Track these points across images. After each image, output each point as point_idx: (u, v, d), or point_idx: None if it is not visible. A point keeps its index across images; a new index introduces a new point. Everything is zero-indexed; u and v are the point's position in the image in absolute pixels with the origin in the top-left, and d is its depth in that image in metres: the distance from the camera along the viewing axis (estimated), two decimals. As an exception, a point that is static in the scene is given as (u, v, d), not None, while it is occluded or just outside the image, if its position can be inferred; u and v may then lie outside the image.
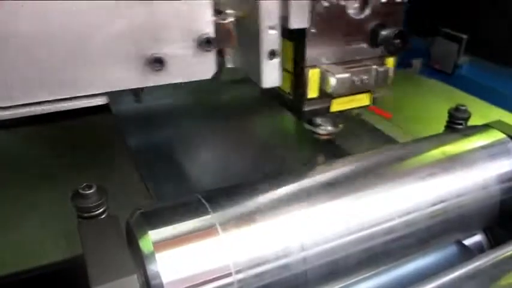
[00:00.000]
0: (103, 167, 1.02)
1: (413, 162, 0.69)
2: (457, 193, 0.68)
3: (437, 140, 0.77)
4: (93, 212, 0.56)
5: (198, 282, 0.51)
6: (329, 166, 0.67)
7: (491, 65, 1.56)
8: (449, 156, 0.71)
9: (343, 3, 0.74)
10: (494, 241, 0.84)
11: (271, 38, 0.64)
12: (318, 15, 0.73)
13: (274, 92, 0.87)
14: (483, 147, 0.74)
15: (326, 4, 0.73)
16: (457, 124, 0.90)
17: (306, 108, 0.80)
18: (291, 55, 0.79)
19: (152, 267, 0.50)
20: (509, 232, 0.80)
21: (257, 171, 0.98)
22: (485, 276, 0.61)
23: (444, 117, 0.91)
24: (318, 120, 0.91)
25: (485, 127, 0.81)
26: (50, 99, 0.55)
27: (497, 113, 1.30)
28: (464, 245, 0.81)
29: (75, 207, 0.56)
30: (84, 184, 0.57)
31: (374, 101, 0.86)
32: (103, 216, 0.57)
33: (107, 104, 1.18)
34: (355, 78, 0.79)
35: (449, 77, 1.63)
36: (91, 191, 0.56)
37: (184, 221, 0.54)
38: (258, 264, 0.53)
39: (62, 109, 0.57)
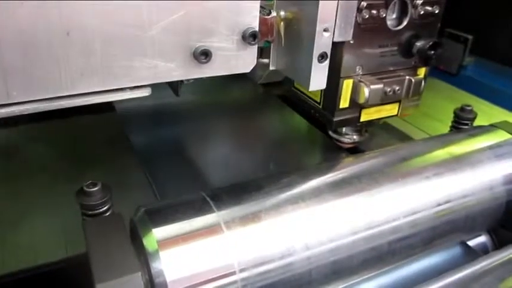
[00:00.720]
0: (107, 165, 1.02)
1: (419, 162, 0.69)
2: (463, 194, 0.67)
3: (443, 140, 0.77)
4: (97, 209, 0.56)
5: (201, 280, 0.51)
6: (334, 165, 0.66)
7: (496, 66, 1.55)
8: (455, 157, 0.71)
9: (383, 14, 0.74)
10: (499, 242, 0.84)
11: (324, 40, 0.65)
12: (357, 26, 0.72)
13: (301, 100, 0.87)
14: (489, 148, 0.74)
15: (366, 16, 0.72)
16: (462, 124, 0.90)
17: (336, 118, 0.80)
18: None
19: (156, 265, 0.50)
20: (514, 233, 0.80)
21: (263, 170, 0.98)
22: (489, 278, 0.61)
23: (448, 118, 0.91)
24: (343, 129, 0.92)
25: (491, 127, 0.80)
26: (102, 89, 0.56)
27: (503, 115, 1.30)
28: (468, 246, 0.80)
29: (80, 205, 0.56)
30: (89, 182, 0.57)
31: (402, 111, 0.86)
32: (107, 214, 0.57)
33: (110, 102, 1.19)
34: (388, 89, 0.79)
35: (454, 77, 1.62)
36: (95, 189, 0.56)
37: (188, 219, 0.53)
38: (262, 263, 0.53)
39: (105, 100, 0.58)
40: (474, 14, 1.62)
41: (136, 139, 1.05)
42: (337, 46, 0.73)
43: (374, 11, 0.72)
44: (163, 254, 0.50)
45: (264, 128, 1.20)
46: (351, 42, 0.73)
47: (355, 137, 0.93)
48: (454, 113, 0.91)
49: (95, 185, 0.57)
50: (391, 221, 0.61)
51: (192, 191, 0.59)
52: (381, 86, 0.76)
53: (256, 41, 0.60)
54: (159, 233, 0.51)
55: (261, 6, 0.61)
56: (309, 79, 0.65)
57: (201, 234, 0.52)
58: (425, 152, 0.72)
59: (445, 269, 0.75)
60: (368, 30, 0.73)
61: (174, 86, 0.71)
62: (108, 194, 0.57)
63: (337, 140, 0.93)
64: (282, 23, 0.69)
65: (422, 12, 0.77)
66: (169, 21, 0.55)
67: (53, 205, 0.88)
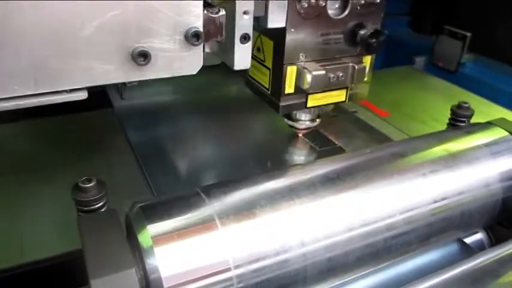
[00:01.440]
0: (103, 162, 1.01)
1: (415, 159, 0.69)
2: (459, 190, 0.67)
3: (439, 137, 0.77)
4: (92, 205, 0.56)
5: (196, 276, 0.51)
6: (330, 161, 0.66)
7: (495, 63, 1.55)
8: (451, 154, 0.71)
9: (322, 3, 0.76)
10: (495, 239, 0.84)
11: (244, 22, 0.66)
12: (297, 14, 0.75)
13: (255, 87, 0.90)
14: (486, 145, 0.74)
15: (305, 4, 0.75)
16: (459, 122, 0.90)
17: (283, 103, 0.83)
18: (271, 52, 0.82)
19: (151, 261, 0.49)
20: (510, 230, 0.80)
21: (259, 166, 0.98)
22: (486, 274, 0.61)
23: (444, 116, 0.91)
24: (297, 115, 0.94)
25: (488, 125, 0.80)
26: (31, 93, 0.53)
27: (500, 112, 1.29)
28: (464, 243, 0.81)
29: (75, 201, 0.56)
30: (84, 177, 0.57)
31: (350, 97, 0.90)
32: (103, 209, 0.57)
33: (108, 98, 1.19)
34: (331, 75, 0.81)
35: (453, 74, 1.62)
36: (91, 185, 0.56)
37: (183, 215, 0.53)
38: (257, 260, 0.53)
39: (40, 104, 0.55)
40: (473, 11, 1.62)
41: (134, 136, 1.05)
42: (279, 33, 0.77)
43: (313, 0, 0.75)
44: (158, 250, 0.50)
45: (263, 125, 1.20)
46: (292, 30, 0.76)
47: (307, 122, 0.96)
48: (451, 110, 0.91)
49: (90, 181, 0.56)
50: (387, 217, 0.61)
51: (189, 188, 0.59)
52: (323, 72, 0.79)
53: (200, 41, 0.58)
54: (153, 229, 0.51)
55: (208, 4, 0.60)
56: (233, 59, 0.68)
57: (196, 231, 0.52)
58: (422, 148, 0.72)
59: (441, 266, 0.75)
60: (309, 18, 0.77)
61: (119, 89, 0.70)
62: (103, 190, 0.57)
63: (292, 126, 0.97)
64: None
65: (363, 2, 0.80)
66: (104, 20, 0.53)
67: (48, 201, 0.87)
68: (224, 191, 0.57)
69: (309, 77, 0.78)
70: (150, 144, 1.03)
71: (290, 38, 0.77)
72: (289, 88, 0.82)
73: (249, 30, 0.67)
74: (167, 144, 1.04)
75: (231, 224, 0.53)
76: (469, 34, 1.56)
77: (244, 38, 0.67)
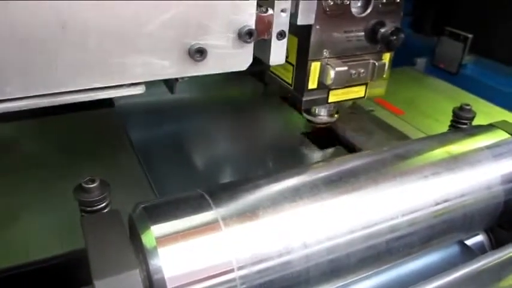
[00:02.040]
0: (105, 162, 1.01)
1: (418, 161, 0.69)
2: (461, 193, 0.68)
3: (441, 139, 0.77)
4: (95, 206, 0.56)
5: (200, 277, 0.51)
6: (333, 163, 0.66)
7: (496, 65, 1.55)
8: (453, 156, 0.71)
9: (347, 2, 0.80)
10: (496, 242, 0.84)
11: (282, 20, 0.69)
12: (323, 12, 0.78)
13: (277, 82, 0.93)
14: (488, 147, 0.74)
15: (331, 3, 0.78)
16: (461, 124, 0.90)
17: (306, 98, 0.86)
18: (295, 49, 0.85)
19: (154, 262, 0.50)
20: (511, 233, 0.80)
21: (262, 167, 0.98)
22: (487, 277, 0.61)
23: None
24: (316, 110, 0.97)
25: (490, 127, 0.80)
26: (98, 86, 0.56)
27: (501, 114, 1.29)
28: (465, 245, 0.81)
29: (78, 201, 0.56)
30: (87, 178, 0.57)
31: (369, 93, 0.93)
32: (105, 210, 0.57)
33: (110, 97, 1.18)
34: (353, 71, 0.85)
35: (454, 76, 1.62)
36: (94, 185, 0.56)
37: (186, 216, 0.53)
38: (260, 261, 0.53)
39: (99, 97, 0.57)
40: (474, 13, 1.62)
41: (136, 135, 1.05)
42: (305, 30, 0.80)
43: (338, 0, 0.79)
44: (162, 251, 0.50)
45: (264, 125, 1.20)
46: (317, 27, 0.80)
47: (326, 117, 0.99)
48: (453, 112, 0.91)
49: (93, 181, 0.56)
50: (389, 219, 0.61)
51: (191, 188, 0.59)
52: (345, 68, 0.83)
53: (252, 39, 0.61)
54: (157, 230, 0.51)
55: (258, 4, 0.62)
56: (269, 55, 0.71)
57: (200, 232, 0.52)
58: (424, 150, 0.72)
59: (442, 268, 0.75)
60: (333, 16, 0.80)
61: (170, 84, 0.72)
62: (106, 190, 0.57)
63: (310, 121, 0.99)
64: None
65: (384, 1, 0.84)
66: (166, 18, 0.55)
67: (50, 201, 0.87)
68: (227, 192, 0.57)
69: (332, 73, 0.81)
70: (152, 144, 1.03)
71: (315, 35, 0.80)
72: (313, 84, 0.85)
73: (286, 28, 0.70)
74: (169, 143, 1.04)
75: (234, 225, 0.53)
76: (470, 36, 1.56)
77: (281, 35, 0.70)
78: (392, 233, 0.62)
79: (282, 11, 0.68)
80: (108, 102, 1.21)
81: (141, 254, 0.51)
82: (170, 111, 1.18)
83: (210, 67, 0.61)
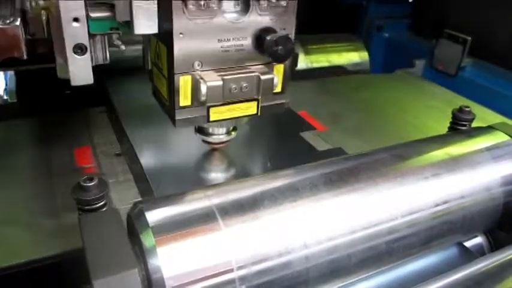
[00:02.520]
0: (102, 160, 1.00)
1: (418, 162, 0.69)
2: (461, 194, 0.67)
3: (441, 140, 0.77)
4: (93, 204, 0.56)
5: (199, 277, 0.50)
6: (333, 163, 0.66)
7: (495, 68, 1.55)
8: (453, 157, 0.71)
9: (214, 7, 0.68)
10: (495, 244, 0.84)
11: (76, 31, 0.58)
12: (185, 18, 0.66)
13: (158, 98, 0.82)
14: (487, 149, 0.74)
15: (193, 8, 0.66)
16: (460, 125, 0.90)
17: (180, 117, 0.74)
18: (165, 60, 0.73)
19: (153, 262, 0.49)
20: (510, 235, 0.80)
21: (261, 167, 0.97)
22: (487, 279, 0.61)
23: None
24: (209, 129, 0.85)
25: (490, 129, 0.80)
26: None
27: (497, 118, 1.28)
28: (464, 247, 0.81)
29: (76, 200, 0.56)
30: (85, 176, 0.56)
31: (265, 110, 0.80)
32: (104, 209, 0.57)
33: (108, 95, 1.18)
34: (232, 86, 0.72)
35: (453, 78, 1.62)
36: (92, 184, 0.56)
37: (186, 215, 0.53)
38: (260, 261, 0.53)
39: None
40: (473, 15, 1.62)
41: (134, 133, 1.04)
42: (166, 40, 0.70)
43: (202, 3, 0.67)
44: (161, 251, 0.50)
45: (262, 123, 1.19)
46: (180, 35, 0.68)
47: (221, 136, 0.87)
48: (453, 113, 0.91)
49: (91, 179, 0.56)
50: (389, 220, 0.61)
51: (190, 188, 0.59)
52: (220, 83, 0.71)
53: None
54: (156, 229, 0.51)
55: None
56: (70, 73, 0.62)
57: (199, 231, 0.52)
58: (424, 152, 0.72)
59: (441, 270, 0.75)
60: (200, 23, 0.68)
61: None
62: (104, 189, 0.56)
63: (205, 141, 0.88)
64: (42, 12, 0.64)
65: (266, 5, 0.72)
66: None
67: (47, 200, 0.87)
68: (227, 191, 0.57)
69: (203, 88, 0.69)
70: (149, 142, 1.03)
71: (179, 44, 0.68)
72: (185, 100, 0.73)
73: (84, 40, 0.60)
74: (166, 141, 1.04)
75: (234, 225, 0.53)
76: (469, 38, 1.56)
77: (80, 49, 0.60)
78: (393, 233, 0.61)
79: (75, 20, 0.58)
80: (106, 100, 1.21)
81: (140, 253, 0.50)
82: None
83: None
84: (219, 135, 0.86)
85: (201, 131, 0.86)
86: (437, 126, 1.14)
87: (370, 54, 1.77)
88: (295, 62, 1.48)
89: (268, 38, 0.71)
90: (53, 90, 1.32)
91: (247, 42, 0.74)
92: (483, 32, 1.58)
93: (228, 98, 0.73)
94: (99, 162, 0.97)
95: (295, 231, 0.55)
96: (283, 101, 0.83)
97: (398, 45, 1.92)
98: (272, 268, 0.53)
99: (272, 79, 0.75)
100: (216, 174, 0.92)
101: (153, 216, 0.53)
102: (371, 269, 0.64)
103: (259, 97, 0.77)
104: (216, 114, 0.76)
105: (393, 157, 0.69)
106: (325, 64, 1.66)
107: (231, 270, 0.51)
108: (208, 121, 0.77)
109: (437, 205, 0.65)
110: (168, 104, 0.77)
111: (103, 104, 1.22)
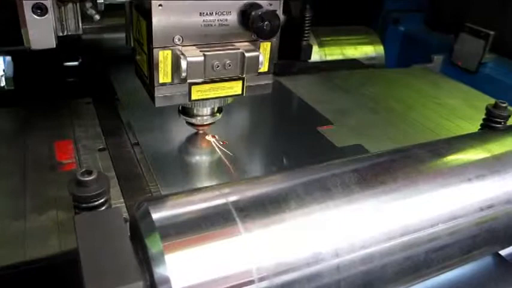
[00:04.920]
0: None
1: (458, 161, 0.61)
2: (507, 198, 0.60)
3: (479, 138, 0.69)
4: (92, 202, 0.48)
5: (213, 290, 0.43)
6: (365, 161, 0.58)
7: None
8: (496, 157, 0.63)
9: None
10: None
11: None
12: None
13: (139, 75, 0.79)
14: (533, 148, 0.66)
15: None
16: (495, 123, 0.82)
17: (159, 94, 0.72)
18: (145, 34, 0.71)
19: (160, 271, 0.41)
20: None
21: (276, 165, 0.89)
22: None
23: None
24: (193, 110, 0.82)
25: (532, 127, 0.73)
26: None
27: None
28: (500, 255, 0.73)
29: (72, 196, 0.48)
30: (83, 169, 0.49)
31: (247, 90, 0.77)
32: (104, 208, 0.49)
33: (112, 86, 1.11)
34: (215, 63, 0.69)
35: (472, 75, 1.55)
36: (91, 178, 0.48)
37: (199, 217, 0.45)
38: (285, 271, 0.45)
39: None
40: (496, 8, 1.54)
41: (139, 127, 0.97)
42: (145, 13, 0.67)
43: None
44: (169, 258, 0.42)
45: (273, 117, 1.12)
46: (159, 7, 0.65)
47: (205, 117, 0.82)
48: (487, 109, 0.83)
49: (90, 173, 0.48)
50: (429, 226, 0.54)
51: (200, 185, 0.51)
52: (201, 58, 0.67)
53: None
54: (164, 232, 0.43)
55: None
56: (29, 36, 0.59)
57: (215, 236, 0.44)
58: (463, 150, 0.64)
59: (475, 280, 0.68)
60: None
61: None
62: (105, 184, 0.49)
63: (188, 122, 0.84)
64: None
65: None
66: None
67: (46, 195, 0.79)
68: (247, 190, 0.49)
69: (183, 64, 0.66)
70: (155, 137, 0.95)
71: (158, 15, 0.66)
72: (165, 77, 0.70)
73: (46, 1, 0.58)
74: (174, 137, 0.96)
75: (255, 229, 0.45)
76: (492, 33, 1.48)
77: (40, 9, 0.58)
78: (433, 241, 0.54)
79: None
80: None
81: (145, 261, 0.43)
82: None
83: None
84: (203, 116, 0.82)
85: (184, 112, 0.83)
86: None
87: (385, 48, 1.69)
88: (308, 54, 1.42)
89: (253, 13, 0.69)
90: (54, 78, 1.26)
91: (232, 17, 0.71)
92: (506, 26, 1.50)
93: (210, 75, 0.70)
94: (79, 158, 0.89)
95: (325, 238, 0.48)
96: (269, 81, 0.80)
97: (414, 39, 1.84)
98: (298, 280, 0.46)
99: (257, 57, 0.72)
100: (225, 170, 0.85)
101: (161, 217, 0.45)
102: (406, 281, 0.57)
103: (244, 76, 0.74)
104: (198, 92, 0.73)
105: (431, 155, 0.61)
106: (339, 57, 1.58)
107: (252, 282, 0.44)
108: (190, 100, 0.74)
109: (481, 210, 0.57)
110: (148, 82, 0.74)
111: (107, 93, 1.15)
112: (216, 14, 0.69)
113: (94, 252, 0.41)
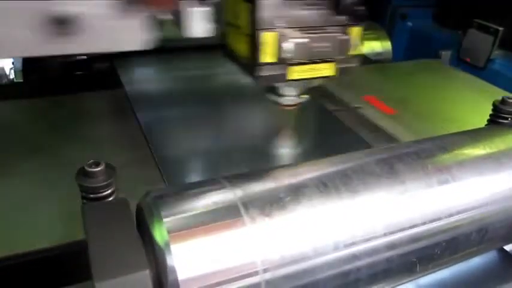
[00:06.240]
0: (112, 145, 0.94)
1: (464, 157, 0.61)
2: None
3: (487, 133, 0.69)
4: (99, 193, 0.49)
5: (218, 280, 0.43)
6: (371, 155, 0.58)
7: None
8: (502, 152, 0.63)
9: None
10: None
11: None
12: None
13: (234, 58, 0.83)
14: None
15: None
16: (502, 118, 0.81)
17: (261, 74, 0.76)
18: (247, 17, 0.75)
19: (166, 261, 0.42)
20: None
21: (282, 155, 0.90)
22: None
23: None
24: (281, 90, 0.86)
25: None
26: None
27: None
28: (505, 251, 0.73)
29: (80, 187, 0.49)
30: (91, 161, 0.49)
31: (340, 71, 0.81)
32: (111, 198, 0.50)
33: (119, 78, 1.12)
34: (315, 45, 0.75)
35: (481, 70, 1.53)
36: (98, 169, 0.49)
37: (205, 208, 0.46)
38: (291, 263, 0.45)
39: None
40: (505, 4, 1.53)
41: (145, 119, 0.98)
42: None
43: None
44: (175, 248, 0.42)
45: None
46: None
47: (293, 98, 0.87)
48: (493, 105, 0.83)
49: (97, 164, 0.49)
50: (435, 220, 0.54)
51: (205, 177, 0.52)
52: (305, 40, 0.73)
53: (134, 8, 0.47)
54: (170, 223, 0.44)
55: None
56: (188, 24, 0.63)
57: (220, 227, 0.45)
58: (471, 145, 0.64)
59: (481, 275, 0.68)
60: None
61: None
62: (112, 175, 0.49)
63: (276, 102, 0.88)
64: None
65: None
66: None
67: (53, 185, 0.80)
68: (253, 181, 0.49)
69: (289, 45, 0.71)
70: (162, 129, 0.96)
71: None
72: (268, 57, 0.74)
73: None
74: (180, 128, 0.97)
75: (261, 220, 0.45)
76: (501, 28, 1.47)
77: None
78: (439, 235, 0.54)
79: None
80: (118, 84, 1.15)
81: (151, 251, 0.43)
82: (181, 94, 1.11)
83: (87, 43, 0.44)
84: (290, 96, 0.87)
85: (272, 91, 0.88)
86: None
87: (392, 44, 1.68)
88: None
89: None
90: (62, 71, 1.27)
91: (327, 2, 0.75)
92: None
93: (309, 56, 0.76)
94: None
95: (331, 231, 0.48)
96: (356, 64, 0.84)
97: (422, 35, 1.83)
98: (306, 271, 0.46)
99: (350, 40, 0.78)
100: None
101: (167, 207, 0.45)
102: (410, 275, 0.57)
103: (337, 58, 0.79)
104: (295, 73, 0.78)
105: (436, 150, 0.61)
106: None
107: (256, 273, 0.44)
108: (287, 79, 0.78)
109: (487, 204, 0.58)
110: (248, 62, 0.78)
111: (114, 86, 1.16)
112: None
113: (102, 241, 0.41)
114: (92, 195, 0.49)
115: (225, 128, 1.02)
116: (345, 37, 0.77)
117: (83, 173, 0.49)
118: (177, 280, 0.42)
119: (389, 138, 1.02)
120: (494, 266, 0.71)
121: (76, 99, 1.10)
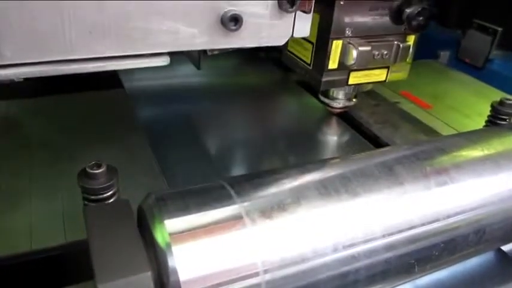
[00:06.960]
0: (113, 146, 0.94)
1: (462, 158, 0.61)
2: (511, 195, 0.60)
3: (485, 134, 0.69)
4: (101, 194, 0.49)
5: (219, 281, 0.44)
6: (371, 158, 0.59)
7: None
8: (500, 154, 0.64)
9: None
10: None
11: None
12: None
13: (294, 62, 0.89)
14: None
15: None
16: (500, 119, 0.82)
17: (325, 79, 0.82)
18: (316, 26, 0.81)
19: (168, 262, 0.42)
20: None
21: (282, 158, 0.90)
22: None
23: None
24: (333, 93, 0.93)
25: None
26: (114, 54, 0.48)
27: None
28: (503, 252, 0.74)
29: (81, 188, 0.49)
30: (93, 162, 0.50)
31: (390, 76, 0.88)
32: (112, 199, 0.50)
33: (119, 78, 1.12)
34: (376, 52, 0.81)
35: (479, 71, 1.54)
36: (100, 171, 0.49)
37: (206, 209, 0.46)
38: (291, 264, 0.46)
39: (118, 67, 0.50)
40: (504, 4, 1.53)
41: (146, 120, 0.98)
42: (328, 7, 0.77)
43: None
44: (177, 249, 0.43)
45: (282, 111, 1.13)
46: (341, 3, 0.76)
47: (343, 102, 0.94)
48: (492, 106, 0.83)
49: (99, 166, 0.49)
50: (435, 220, 0.54)
51: (206, 179, 0.52)
52: (369, 48, 0.79)
53: (294, 8, 0.53)
54: (172, 224, 0.44)
55: None
56: (293, 26, 0.63)
57: (221, 228, 0.45)
58: (469, 147, 0.65)
59: (478, 275, 0.69)
60: None
61: (195, 57, 0.65)
62: (114, 177, 0.50)
63: (327, 105, 0.95)
64: None
65: None
66: None
67: (53, 186, 0.81)
68: (253, 183, 0.50)
69: (354, 53, 0.77)
70: (163, 130, 0.96)
71: (339, 11, 0.76)
72: (333, 63, 0.81)
73: None
74: (181, 129, 0.97)
75: (261, 222, 0.46)
76: (500, 29, 1.47)
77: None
78: (438, 235, 0.55)
79: None
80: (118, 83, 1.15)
81: (152, 252, 0.44)
82: (183, 95, 1.11)
83: (244, 39, 0.53)
84: (342, 100, 0.94)
85: (324, 94, 0.95)
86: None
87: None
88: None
89: (408, 9, 0.80)
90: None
91: (388, 13, 0.82)
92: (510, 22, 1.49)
93: (370, 63, 0.82)
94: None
95: (331, 232, 0.48)
96: (406, 69, 0.93)
97: (421, 34, 1.83)
98: (306, 272, 0.46)
99: (409, 47, 0.86)
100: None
101: (168, 209, 0.46)
102: (409, 276, 0.57)
103: (393, 64, 0.87)
104: (354, 78, 0.85)
105: (435, 151, 0.61)
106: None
107: (257, 274, 0.45)
108: (347, 84, 0.85)
109: (485, 205, 0.58)
110: (311, 68, 0.85)
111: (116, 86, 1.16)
112: (380, 9, 0.80)
113: (104, 242, 0.42)
114: (93, 197, 0.49)
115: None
116: (404, 44, 0.83)
117: (84, 175, 0.49)
118: (179, 281, 0.42)
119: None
120: (491, 267, 0.72)
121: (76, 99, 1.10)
